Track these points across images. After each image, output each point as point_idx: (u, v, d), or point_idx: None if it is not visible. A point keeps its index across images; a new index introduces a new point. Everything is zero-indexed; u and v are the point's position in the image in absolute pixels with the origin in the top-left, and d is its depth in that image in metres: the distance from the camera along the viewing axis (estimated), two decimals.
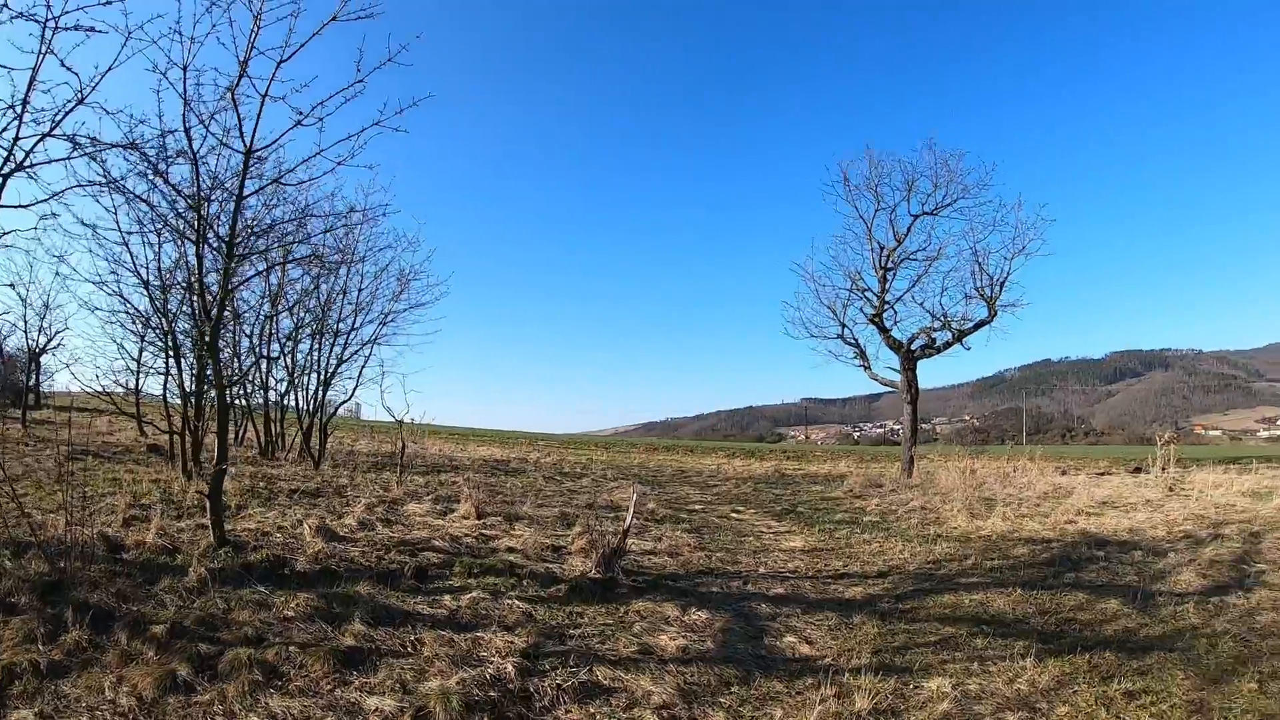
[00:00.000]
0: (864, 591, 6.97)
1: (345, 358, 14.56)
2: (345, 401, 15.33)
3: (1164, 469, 15.74)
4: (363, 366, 14.75)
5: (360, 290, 14.39)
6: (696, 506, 11.85)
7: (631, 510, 7.41)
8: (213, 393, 7.27)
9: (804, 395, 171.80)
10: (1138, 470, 17.91)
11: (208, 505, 5.85)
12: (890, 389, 17.97)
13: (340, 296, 14.23)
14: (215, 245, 6.22)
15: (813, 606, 6.20)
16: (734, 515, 11.07)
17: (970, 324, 16.72)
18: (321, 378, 14.48)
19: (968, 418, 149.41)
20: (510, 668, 4.07)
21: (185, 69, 5.21)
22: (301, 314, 14.23)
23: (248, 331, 13.72)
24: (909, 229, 16.28)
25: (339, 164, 5.58)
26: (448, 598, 5.34)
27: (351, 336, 14.56)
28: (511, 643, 4.51)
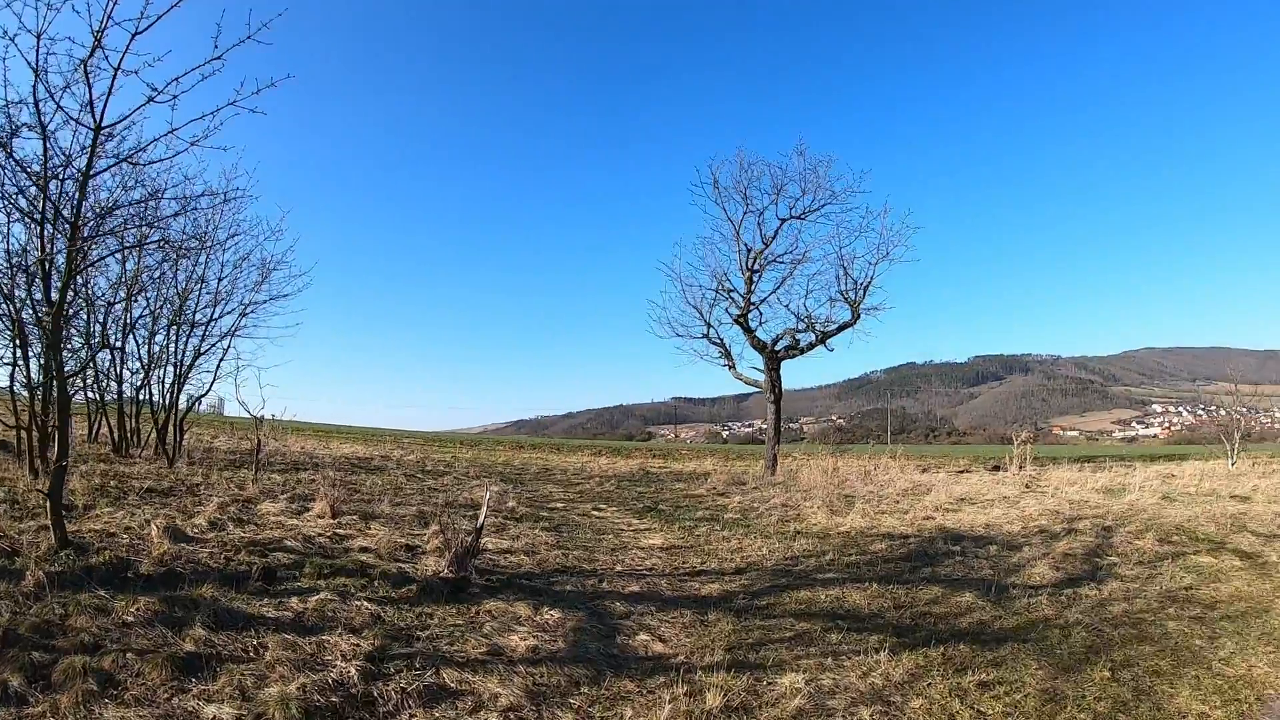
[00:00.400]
0: (721, 588, 8.67)
1: (203, 350, 17.81)
2: (202, 396, 18.76)
3: (1021, 467, 21.10)
4: (220, 359, 17.91)
5: (220, 279, 17.60)
6: (558, 504, 14.89)
7: (485, 508, 9.24)
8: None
9: (674, 394, 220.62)
10: (996, 468, 23.43)
11: (47, 505, 7.23)
12: (757, 389, 22.84)
13: (199, 286, 17.37)
14: (62, 227, 7.90)
15: (668, 604, 7.89)
16: (595, 513, 13.78)
17: (834, 326, 21.67)
18: (178, 371, 17.76)
19: (834, 417, 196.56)
20: (354, 671, 5.03)
21: (39, 36, 6.43)
22: (158, 303, 17.56)
23: (100, 320, 16.74)
24: (776, 232, 21.33)
25: (193, 144, 6.98)
26: (295, 600, 6.58)
27: (210, 328, 17.83)
28: (357, 645, 5.59)
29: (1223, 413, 36.36)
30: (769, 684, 5.61)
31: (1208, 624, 7.81)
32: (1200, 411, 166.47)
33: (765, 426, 23.26)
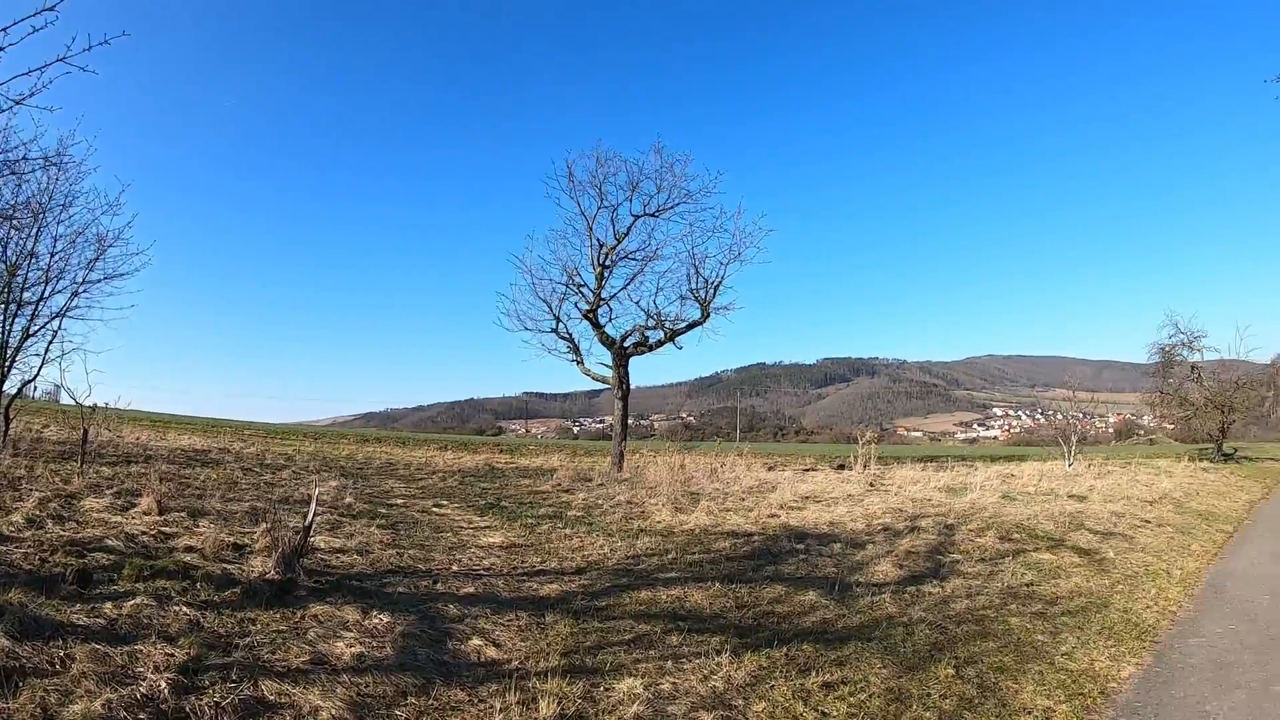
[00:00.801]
0: (560, 589, 9.72)
1: (33, 332, 19.09)
2: (30, 381, 20.01)
3: (866, 466, 25.06)
4: (50, 342, 19.10)
5: (53, 254, 19.06)
6: (398, 500, 16.96)
7: (314, 504, 10.02)
8: None
9: (526, 389, 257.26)
10: (842, 467, 27.54)
11: None
12: (605, 385, 27.02)
13: (29, 261, 18.75)
14: None
15: (504, 606, 8.81)
16: (435, 510, 15.86)
17: (684, 324, 26.32)
18: (4, 354, 18.89)
19: (684, 415, 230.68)
20: (165, 685, 5.48)
21: None
22: None
23: None
24: (630, 228, 25.93)
25: (18, 102, 7.10)
26: (109, 605, 7.06)
27: (40, 307, 19.15)
28: (171, 655, 6.05)
29: (1060, 417, 44.24)
30: (606, 690, 6.25)
31: (1049, 619, 9.24)
32: (1038, 415, 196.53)
33: (614, 423, 26.92)
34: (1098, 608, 10.23)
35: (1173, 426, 62.06)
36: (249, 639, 6.73)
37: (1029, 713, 6.63)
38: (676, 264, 29.36)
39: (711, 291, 25.88)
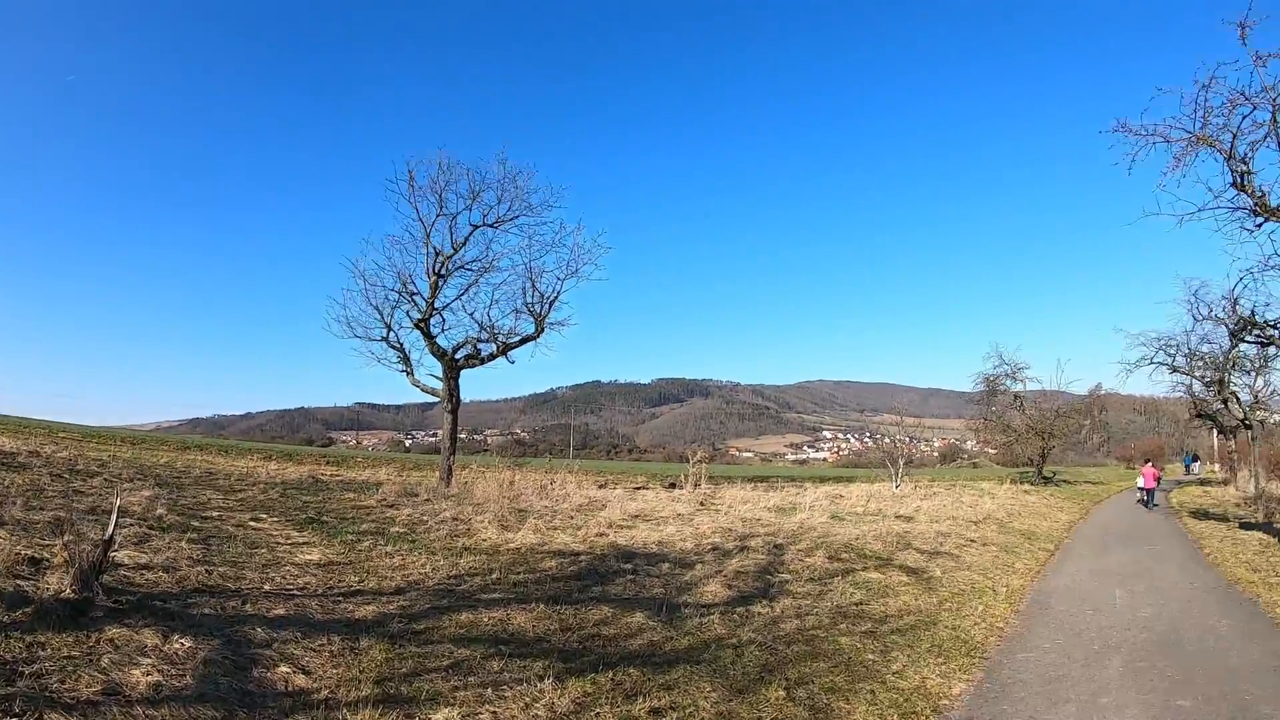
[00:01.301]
0: (377, 610, 9.19)
1: None
2: None
3: (697, 485, 25.22)
4: None
5: None
6: (214, 513, 15.91)
7: (115, 515, 9.12)
8: None
9: (359, 399, 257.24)
10: (673, 486, 27.68)
11: None
12: (435, 398, 26.70)
13: None
14: None
15: (317, 629, 8.26)
16: (253, 524, 15.14)
17: (517, 338, 26.57)
18: None
19: (518, 431, 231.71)
20: None
21: None
22: None
23: None
24: (468, 238, 26.24)
25: None
26: None
27: None
28: None
29: (888, 440, 46.89)
30: None
31: (880, 638, 9.32)
32: (867, 439, 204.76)
33: (442, 437, 26.52)
34: (927, 625, 10.40)
35: (996, 451, 66.11)
36: (36, 666, 6.11)
37: None
38: (513, 277, 28.46)
39: (546, 306, 26.15)
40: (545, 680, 6.81)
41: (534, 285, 26.10)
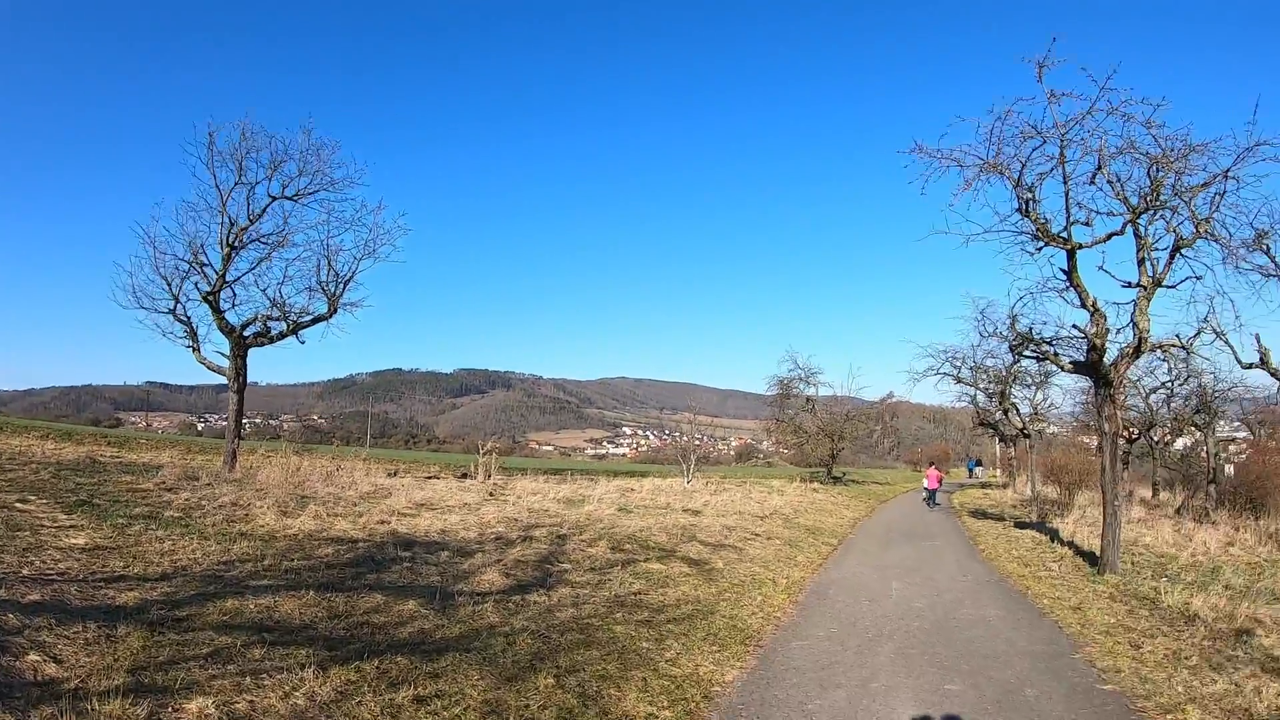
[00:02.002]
0: (140, 597, 8.68)
1: None
2: None
3: (488, 475, 24.99)
4: None
5: None
6: None
7: None
8: None
9: (150, 379, 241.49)
10: (465, 476, 27.82)
11: None
12: (222, 376, 25.58)
13: None
14: None
15: (73, 616, 7.79)
16: (19, 506, 14.27)
17: (309, 318, 25.69)
18: None
19: (316, 417, 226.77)
20: None
21: None
22: None
23: None
24: (265, 209, 25.23)
25: None
26: None
27: None
28: None
29: (684, 438, 48.29)
30: (175, 710, 5.61)
31: (655, 627, 9.42)
32: (666, 436, 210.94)
33: (242, 420, 25.22)
34: (705, 615, 10.58)
35: (790, 452, 68.90)
36: None
37: (631, 719, 6.60)
38: (308, 253, 27.18)
39: (341, 286, 25.43)
40: (308, 668, 6.57)
41: (330, 263, 25.42)
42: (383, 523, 14.57)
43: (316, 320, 25.48)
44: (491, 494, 20.69)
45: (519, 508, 17.99)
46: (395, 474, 26.01)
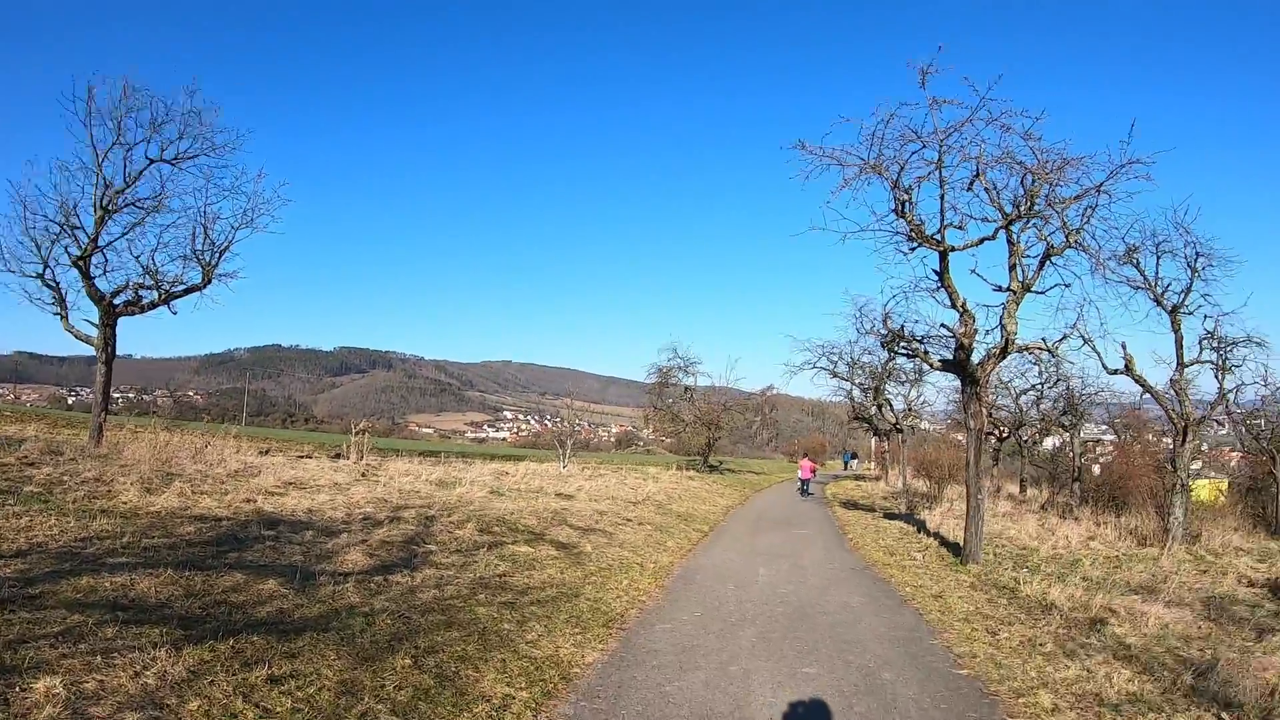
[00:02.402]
0: None
1: None
2: None
3: (361, 455, 24.84)
4: None
5: None
6: None
7: None
8: None
9: (19, 348, 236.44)
10: (338, 456, 27.32)
11: None
12: (90, 346, 24.71)
13: None
14: None
15: None
16: None
17: (181, 287, 24.93)
18: None
19: (193, 393, 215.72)
20: None
21: None
22: None
23: None
24: (142, 172, 24.28)
25: None
26: None
27: None
28: None
29: (564, 424, 48.36)
30: (22, 691, 5.48)
31: (518, 609, 9.53)
32: (547, 421, 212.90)
33: (116, 395, 24.13)
34: (568, 597, 10.73)
35: (670, 440, 69.77)
36: None
37: (488, 700, 6.69)
38: (184, 220, 26.04)
39: (217, 256, 24.76)
40: (161, 648, 6.45)
41: (206, 232, 24.69)
42: (249, 501, 14.31)
43: (190, 290, 24.76)
44: (364, 474, 20.54)
45: (390, 489, 17.90)
46: (267, 452, 25.59)
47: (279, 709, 5.84)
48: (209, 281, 24.69)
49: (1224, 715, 7.23)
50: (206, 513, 12.91)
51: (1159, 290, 20.69)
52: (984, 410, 16.66)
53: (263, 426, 75.39)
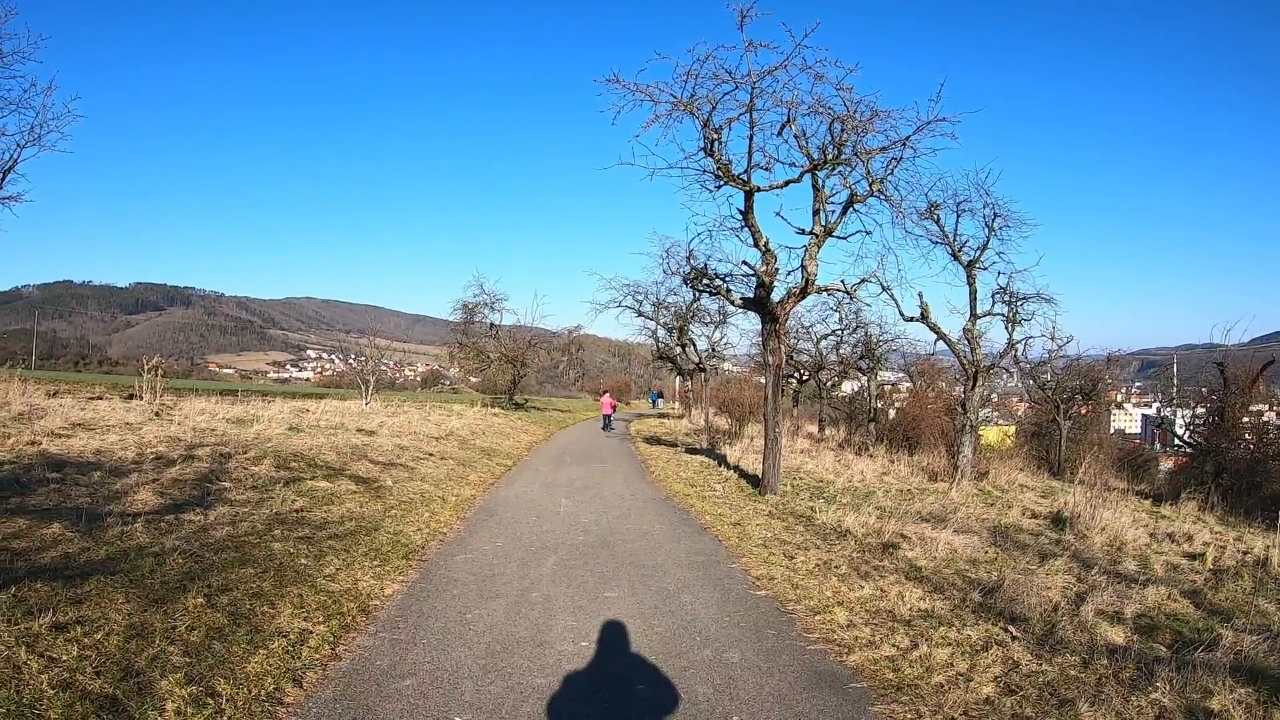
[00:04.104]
0: None
1: None
2: None
3: (155, 395, 23.94)
4: None
5: None
6: None
7: None
8: None
9: None
10: (131, 397, 26.04)
11: None
12: None
13: None
14: None
15: None
16: None
17: None
18: None
19: None
20: None
21: None
22: None
23: None
24: None
25: None
26: None
27: None
28: None
29: (368, 361, 47.49)
30: None
31: (316, 544, 9.50)
32: (351, 360, 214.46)
33: None
34: (368, 531, 10.74)
35: (476, 380, 69.42)
36: None
37: (284, 636, 6.64)
38: None
39: (0, 175, 22.46)
40: None
41: None
42: (32, 443, 13.51)
43: None
44: (157, 414, 19.73)
45: (184, 428, 17.27)
46: (56, 394, 24.21)
47: (65, 657, 5.60)
48: None
49: (1010, 628, 7.70)
50: None
51: (957, 246, 21.75)
52: (782, 348, 17.31)
53: (53, 370, 70.23)
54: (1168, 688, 6.07)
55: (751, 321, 37.61)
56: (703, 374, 43.05)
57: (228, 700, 5.49)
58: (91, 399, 24.46)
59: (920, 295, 22.13)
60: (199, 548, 8.59)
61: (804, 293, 16.58)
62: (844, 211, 16.35)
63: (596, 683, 6.27)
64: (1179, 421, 31.98)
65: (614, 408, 43.83)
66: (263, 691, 5.73)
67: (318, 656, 6.47)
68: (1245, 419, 24.98)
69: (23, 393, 20.78)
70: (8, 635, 5.69)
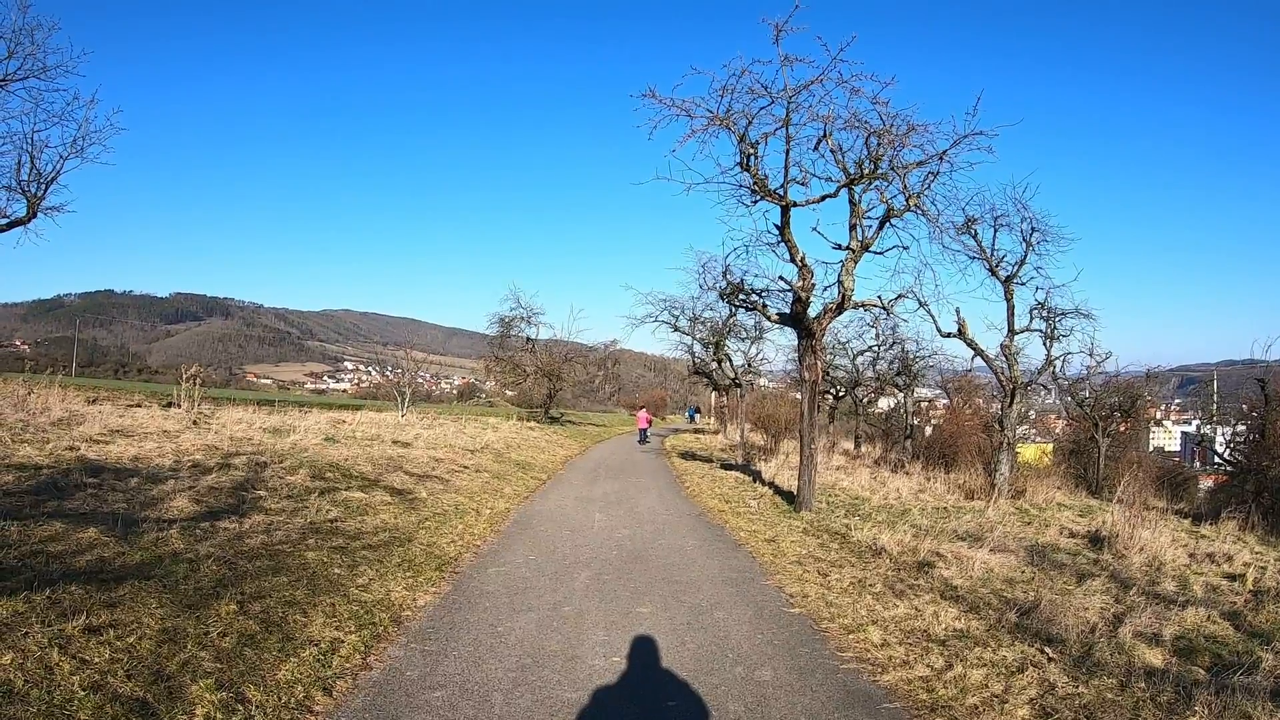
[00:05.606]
0: None
1: None
2: None
3: (193, 403, 24.09)
4: None
5: None
6: None
7: None
8: None
9: None
10: (169, 405, 26.35)
11: None
12: None
13: None
14: None
15: None
16: None
17: (4, 221, 22.77)
18: None
19: (18, 342, 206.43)
20: None
21: None
22: None
23: None
24: None
25: None
26: None
27: None
28: None
29: (404, 373, 47.69)
30: None
31: (350, 554, 9.51)
32: (388, 372, 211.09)
33: None
34: (402, 542, 10.74)
35: (513, 393, 69.66)
36: None
37: (315, 644, 6.64)
38: (9, 147, 24.76)
39: (43, 187, 22.69)
40: None
41: (33, 160, 22.47)
42: (72, 449, 13.61)
43: (14, 224, 22.73)
44: (195, 422, 19.89)
45: (222, 436, 17.34)
46: (95, 401, 24.55)
47: (97, 659, 5.62)
48: (35, 215, 22.76)
49: (1047, 649, 7.58)
50: (26, 461, 12.23)
51: (994, 261, 21.65)
52: (819, 363, 17.18)
53: (94, 378, 71.19)
54: (1206, 712, 5.94)
55: (787, 337, 37.34)
56: (738, 389, 42.87)
57: (257, 707, 5.50)
58: (130, 406, 24.82)
59: (957, 311, 21.97)
60: (233, 555, 8.62)
61: (840, 308, 16.46)
62: (880, 226, 16.22)
63: (626, 698, 6.22)
64: (1219, 439, 31.40)
65: (650, 422, 43.90)
66: (293, 699, 5.74)
67: (348, 666, 6.48)
68: None
69: (62, 399, 21.10)
70: (41, 636, 5.74)
